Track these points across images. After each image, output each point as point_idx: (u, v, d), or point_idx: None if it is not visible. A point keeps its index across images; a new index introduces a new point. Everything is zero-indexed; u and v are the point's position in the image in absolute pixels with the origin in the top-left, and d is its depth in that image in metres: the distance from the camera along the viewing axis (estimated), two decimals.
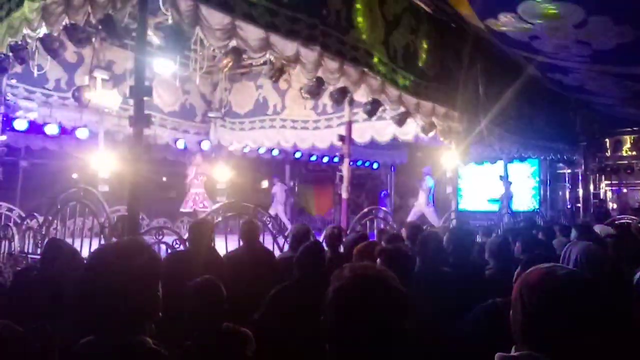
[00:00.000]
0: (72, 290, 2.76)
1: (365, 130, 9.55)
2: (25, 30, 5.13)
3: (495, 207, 12.64)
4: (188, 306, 2.45)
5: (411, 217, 10.61)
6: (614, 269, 2.99)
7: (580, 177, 14.11)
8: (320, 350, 1.46)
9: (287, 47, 5.30)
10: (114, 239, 4.62)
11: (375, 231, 6.82)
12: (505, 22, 6.95)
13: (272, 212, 11.65)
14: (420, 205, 11.17)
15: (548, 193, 15.19)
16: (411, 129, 8.59)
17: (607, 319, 1.32)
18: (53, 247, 3.08)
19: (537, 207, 14.29)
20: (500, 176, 11.36)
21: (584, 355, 1.21)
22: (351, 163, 7.87)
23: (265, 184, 14.56)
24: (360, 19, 6.19)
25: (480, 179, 15.27)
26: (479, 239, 5.45)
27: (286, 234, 6.24)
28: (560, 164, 14.55)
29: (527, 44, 7.66)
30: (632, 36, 6.65)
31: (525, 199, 14.81)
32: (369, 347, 1.15)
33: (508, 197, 11.72)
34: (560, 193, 15.31)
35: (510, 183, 13.04)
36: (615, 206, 14.80)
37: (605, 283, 2.62)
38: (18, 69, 7.11)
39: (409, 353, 1.26)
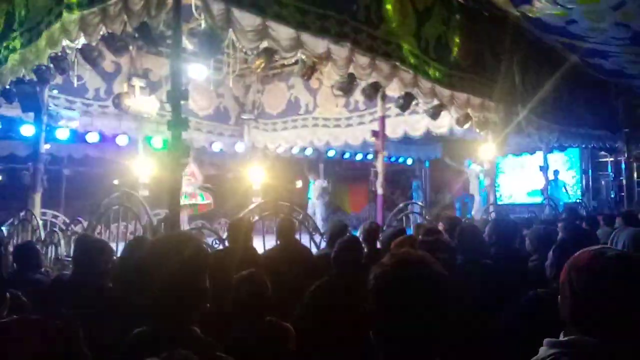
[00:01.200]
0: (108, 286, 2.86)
1: (398, 125, 9.50)
2: (65, 42, 5.28)
3: (536, 199, 12.33)
4: (234, 298, 2.48)
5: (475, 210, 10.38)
6: None
7: (623, 165, 13.58)
8: (362, 343, 1.46)
9: (318, 45, 5.31)
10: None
11: (412, 226, 6.77)
12: (540, 7, 6.78)
13: (310, 210, 11.67)
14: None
15: (590, 183, 14.70)
16: (445, 122, 8.49)
17: None
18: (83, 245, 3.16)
19: (579, 197, 13.86)
20: (540, 167, 11.07)
21: (636, 337, 1.18)
22: (385, 159, 7.83)
23: (299, 183, 14.62)
24: (390, 13, 6.14)
25: (519, 170, 14.92)
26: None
27: (322, 231, 6.27)
28: (602, 152, 14.06)
29: (564, 28, 7.45)
30: None
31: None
32: (414, 332, 1.15)
33: (559, 187, 11.40)
34: (603, 182, 14.80)
35: (558, 171, 12.70)
36: None
37: None
38: (59, 79, 7.39)
39: (454, 339, 1.25)
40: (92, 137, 9.64)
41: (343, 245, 3.36)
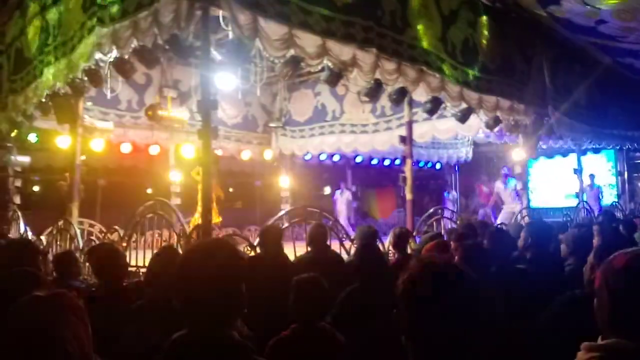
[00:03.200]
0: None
1: (426, 130, 9.44)
2: (98, 55, 5.45)
3: (571, 203, 12.01)
4: (292, 300, 2.48)
5: (501, 220, 10.23)
6: None
7: None
8: (395, 347, 1.46)
9: (344, 51, 5.34)
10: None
11: (443, 231, 6.70)
12: (568, 7, 6.66)
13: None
14: (510, 207, 10.71)
15: (626, 185, 14.26)
16: (474, 125, 8.39)
17: None
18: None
19: (615, 200, 13.45)
20: (575, 169, 10.79)
21: None
22: (413, 164, 7.78)
23: (327, 190, 14.65)
24: (415, 17, 6.14)
25: (552, 173, 14.58)
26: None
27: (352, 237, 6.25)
28: (638, 154, 13.64)
29: (593, 29, 7.30)
30: None
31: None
32: (444, 336, 1.15)
33: (596, 190, 11.10)
34: (639, 184, 14.34)
35: (594, 176, 12.36)
36: None
37: None
38: (92, 92, 7.62)
39: (488, 343, 1.24)
40: (126, 148, 9.90)
41: (362, 251, 3.37)
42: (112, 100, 8.59)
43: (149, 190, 11.50)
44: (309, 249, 4.72)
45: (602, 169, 14.18)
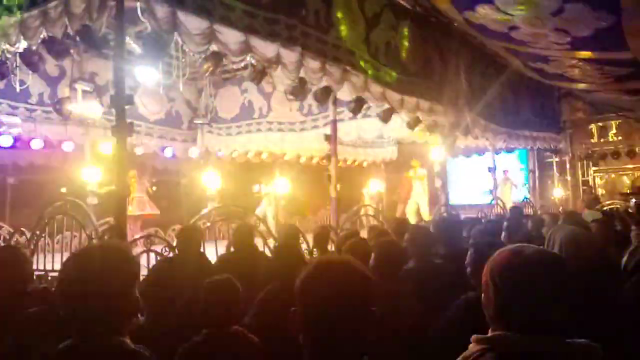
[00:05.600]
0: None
1: (352, 129, 9.59)
2: (4, 45, 5.09)
3: (487, 199, 12.70)
4: (203, 305, 2.39)
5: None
6: (599, 252, 3.03)
7: (567, 165, 14.20)
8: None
9: (268, 49, 5.31)
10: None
11: (366, 229, 6.84)
12: (483, 13, 6.99)
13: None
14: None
15: (537, 182, 15.28)
16: (397, 125, 8.63)
17: (574, 294, 1.34)
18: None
19: (526, 196, 14.38)
20: (489, 168, 11.42)
21: (554, 331, 1.23)
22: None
23: (256, 187, 14.54)
24: (339, 18, 6.22)
25: (470, 171, 15.36)
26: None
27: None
28: (548, 153, 14.65)
29: (507, 34, 7.71)
30: (608, 21, 6.72)
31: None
32: (336, 333, 1.16)
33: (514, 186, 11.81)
34: (549, 182, 15.41)
35: (507, 170, 13.14)
36: (604, 192, 14.93)
37: (590, 266, 2.64)
38: (0, 84, 7.08)
39: (385, 338, 1.27)
40: (37, 144, 9.30)
41: (280, 254, 3.38)
42: (21, 94, 7.99)
43: (64, 190, 10.84)
44: (232, 249, 4.66)
45: (515, 167, 15.11)
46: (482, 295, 1.34)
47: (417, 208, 12.22)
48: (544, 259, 1.31)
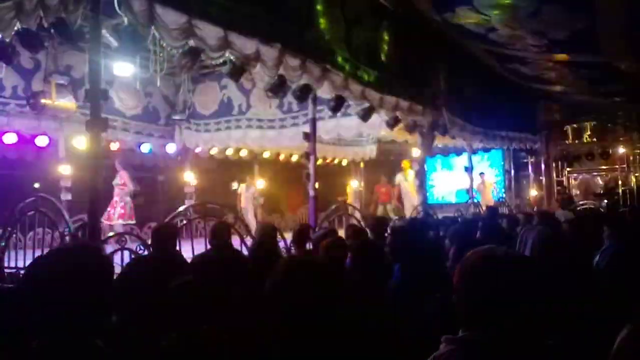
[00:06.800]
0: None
1: (332, 127, 9.59)
2: None
3: (464, 198, 12.86)
4: (172, 304, 2.35)
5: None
6: (570, 252, 3.08)
7: (543, 166, 14.45)
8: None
9: (247, 45, 5.26)
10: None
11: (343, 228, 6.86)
12: (462, 15, 7.07)
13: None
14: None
15: (512, 182, 15.51)
16: (377, 124, 8.66)
17: (545, 296, 1.36)
18: None
19: (502, 196, 14.60)
20: (465, 167, 11.57)
21: (521, 333, 1.25)
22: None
23: (235, 185, 14.44)
24: (320, 17, 6.20)
25: (447, 170, 15.55)
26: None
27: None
28: (523, 153, 14.88)
29: (484, 36, 7.81)
30: (584, 24, 6.84)
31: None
32: (306, 331, 1.17)
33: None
34: (525, 182, 15.66)
35: (483, 173, 13.32)
36: (578, 192, 15.24)
37: (561, 266, 2.69)
38: None
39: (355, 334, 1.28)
40: (9, 138, 9.07)
41: (256, 252, 3.36)
42: None
43: (37, 185, 10.61)
44: (210, 246, 4.61)
45: (491, 167, 15.32)
46: (454, 295, 1.35)
47: (398, 208, 12.37)
48: (514, 261, 1.33)
